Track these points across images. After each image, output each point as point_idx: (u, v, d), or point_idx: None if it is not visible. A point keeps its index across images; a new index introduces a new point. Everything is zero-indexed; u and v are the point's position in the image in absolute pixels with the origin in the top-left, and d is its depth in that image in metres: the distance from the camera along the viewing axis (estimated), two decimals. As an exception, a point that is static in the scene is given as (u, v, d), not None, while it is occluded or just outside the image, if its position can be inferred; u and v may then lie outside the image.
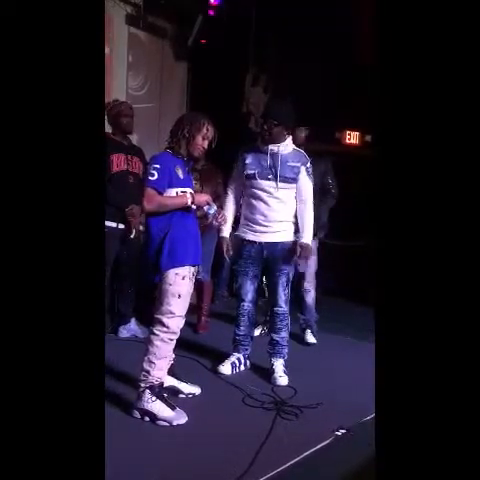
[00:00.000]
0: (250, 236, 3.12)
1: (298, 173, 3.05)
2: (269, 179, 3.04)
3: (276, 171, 3.02)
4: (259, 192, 3.07)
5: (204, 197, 2.63)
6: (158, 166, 2.48)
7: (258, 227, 3.10)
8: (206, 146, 2.59)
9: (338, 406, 2.73)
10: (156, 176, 2.47)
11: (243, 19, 5.48)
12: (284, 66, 5.56)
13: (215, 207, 2.68)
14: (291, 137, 3.12)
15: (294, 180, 3.05)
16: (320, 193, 3.78)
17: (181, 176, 2.55)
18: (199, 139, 2.55)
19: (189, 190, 2.59)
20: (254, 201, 3.09)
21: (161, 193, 2.49)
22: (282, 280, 3.12)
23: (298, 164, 3.05)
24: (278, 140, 3.04)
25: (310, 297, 3.93)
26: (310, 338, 3.92)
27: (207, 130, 2.56)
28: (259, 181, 3.05)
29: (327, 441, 2.40)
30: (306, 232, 3.10)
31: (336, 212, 4.09)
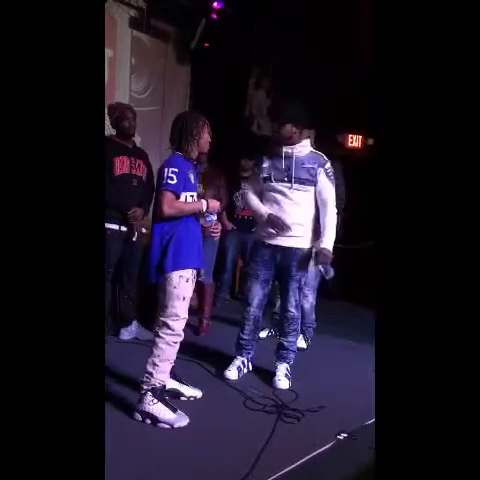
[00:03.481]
0: (265, 238, 3.10)
1: (315, 175, 2.99)
2: (284, 181, 3.01)
3: (291, 173, 2.99)
4: (274, 194, 3.06)
5: (218, 203, 2.67)
6: (176, 170, 2.49)
7: (272, 230, 3.06)
8: (210, 139, 2.64)
9: (340, 410, 2.73)
10: (175, 180, 2.47)
11: (246, 23, 5.50)
12: (286, 68, 5.57)
13: (215, 217, 2.71)
14: (308, 139, 3.07)
15: (310, 182, 3.00)
16: None
17: (192, 181, 2.59)
18: (206, 135, 2.61)
19: (195, 194, 2.63)
20: (269, 203, 3.08)
21: (179, 197, 2.52)
22: (293, 286, 3.08)
23: (315, 165, 2.99)
24: (292, 141, 3.01)
25: (307, 302, 3.87)
26: (300, 343, 3.81)
27: (207, 124, 2.62)
28: (274, 183, 3.04)
29: (329, 445, 2.39)
30: (326, 236, 3.01)
31: (338, 214, 4.07)
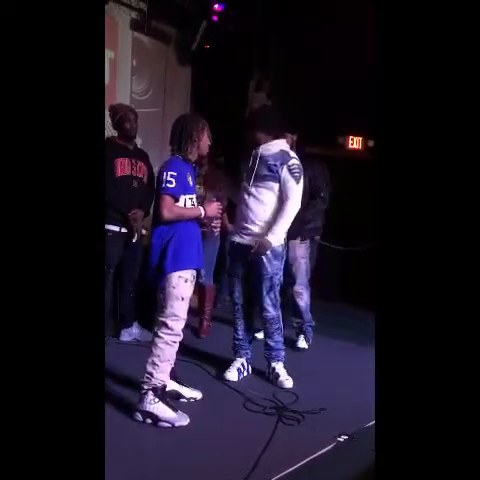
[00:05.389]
0: (237, 238, 3.15)
1: (276, 171, 3.02)
2: (249, 180, 3.09)
3: (254, 171, 3.07)
4: (243, 193, 3.13)
5: (215, 208, 2.69)
6: (175, 173, 2.53)
7: (242, 229, 3.13)
8: (209, 142, 2.68)
9: (340, 411, 2.72)
10: (174, 184, 2.52)
11: (247, 25, 5.51)
12: (287, 70, 5.58)
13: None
14: (279, 140, 3.14)
15: (271, 178, 3.03)
16: (309, 197, 3.76)
17: (191, 183, 2.63)
18: (206, 138, 2.65)
19: (194, 196, 2.67)
20: (240, 204, 3.16)
21: (178, 200, 2.56)
22: (265, 284, 3.08)
23: (277, 162, 3.03)
24: (258, 143, 3.09)
25: (303, 301, 3.86)
26: (301, 343, 3.85)
27: (207, 127, 2.65)
28: (244, 183, 3.12)
29: (329, 447, 2.39)
30: (274, 228, 2.98)
31: (338, 217, 4.08)
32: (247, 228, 3.09)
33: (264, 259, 3.04)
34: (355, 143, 5.68)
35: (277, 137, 3.13)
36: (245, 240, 3.11)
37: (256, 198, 3.07)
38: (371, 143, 5.54)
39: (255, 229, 3.08)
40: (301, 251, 3.84)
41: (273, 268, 3.07)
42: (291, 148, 3.74)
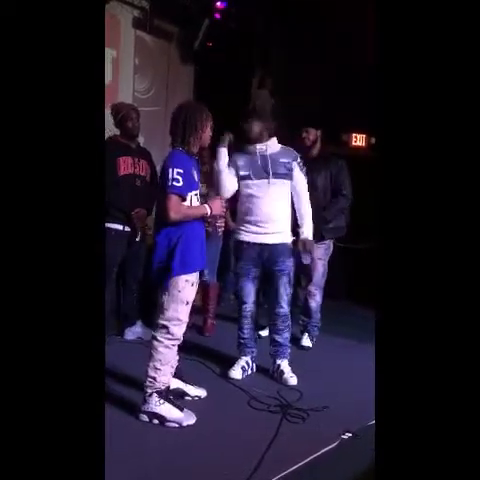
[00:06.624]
0: (249, 238, 3.12)
1: (291, 169, 3.07)
2: (263, 177, 3.05)
3: (268, 169, 3.04)
4: (254, 192, 3.08)
5: (219, 205, 2.63)
6: (182, 171, 2.44)
7: (256, 228, 3.09)
8: (211, 133, 2.62)
9: (344, 409, 2.72)
10: (181, 182, 2.43)
11: (249, 22, 5.49)
12: (291, 68, 5.56)
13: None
14: (275, 137, 3.12)
15: (287, 176, 3.08)
16: (331, 195, 3.75)
17: (196, 179, 2.56)
18: (208, 130, 2.58)
19: (198, 192, 2.61)
20: (250, 202, 3.10)
21: (185, 199, 2.49)
22: (283, 280, 3.11)
23: (290, 160, 3.08)
24: (261, 139, 3.06)
25: (315, 301, 3.85)
26: (305, 342, 3.85)
27: (210, 117, 2.58)
28: (254, 181, 3.07)
29: (333, 444, 2.39)
30: (305, 226, 3.10)
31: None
32: (257, 225, 3.08)
33: (282, 256, 3.08)
34: (358, 140, 5.67)
35: (274, 134, 3.11)
36: (257, 238, 3.09)
37: (273, 196, 3.06)
38: (374, 140, 5.53)
39: (265, 226, 3.07)
40: (319, 252, 3.75)
41: (290, 264, 3.13)
42: (314, 144, 3.74)
